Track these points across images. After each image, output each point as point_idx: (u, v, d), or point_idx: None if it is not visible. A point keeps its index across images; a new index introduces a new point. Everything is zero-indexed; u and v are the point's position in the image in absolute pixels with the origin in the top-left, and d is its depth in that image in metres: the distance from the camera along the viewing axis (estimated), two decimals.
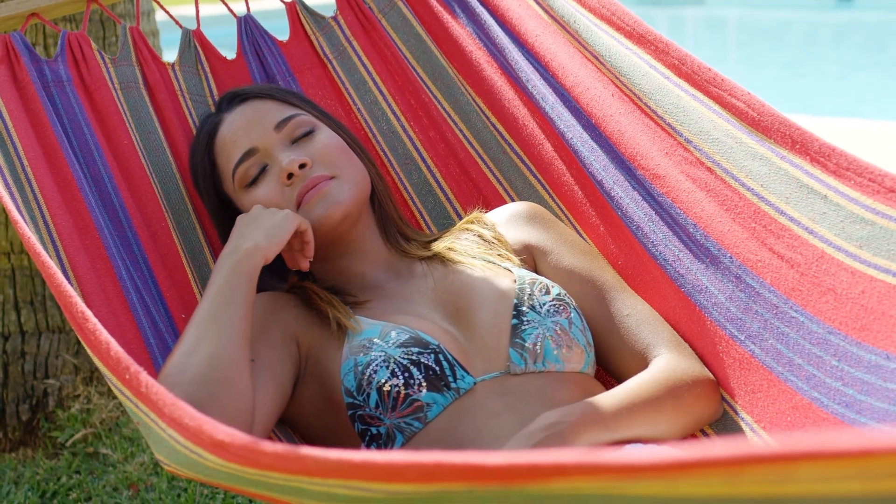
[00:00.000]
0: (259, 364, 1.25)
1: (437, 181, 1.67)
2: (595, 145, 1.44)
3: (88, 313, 0.97)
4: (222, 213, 1.48)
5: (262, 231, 1.28)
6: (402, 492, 0.64)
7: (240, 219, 1.32)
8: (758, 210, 1.22)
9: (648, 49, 1.38)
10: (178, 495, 2.12)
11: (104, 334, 0.92)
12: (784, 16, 13.08)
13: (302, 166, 1.38)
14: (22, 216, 1.22)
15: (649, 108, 1.37)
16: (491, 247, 1.43)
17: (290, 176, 1.38)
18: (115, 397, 2.38)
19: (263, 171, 1.41)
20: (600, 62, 1.44)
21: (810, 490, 0.49)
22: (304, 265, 1.36)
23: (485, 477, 0.57)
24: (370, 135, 1.69)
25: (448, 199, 1.66)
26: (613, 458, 0.52)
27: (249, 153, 1.42)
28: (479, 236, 1.45)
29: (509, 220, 1.47)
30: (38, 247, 1.09)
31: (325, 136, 1.43)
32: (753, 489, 0.50)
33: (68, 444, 2.30)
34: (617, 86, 1.42)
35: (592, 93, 1.44)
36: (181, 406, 0.79)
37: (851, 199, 1.11)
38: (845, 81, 8.72)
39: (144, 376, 0.86)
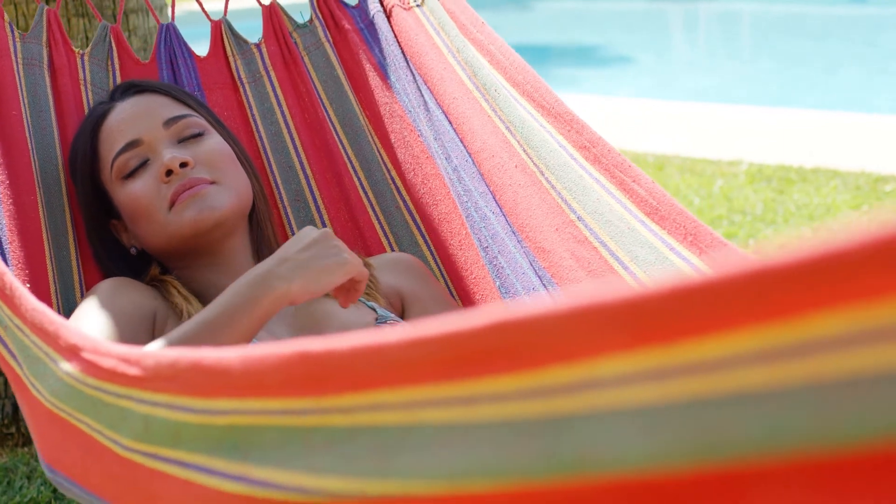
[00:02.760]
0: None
1: (322, 222, 1.64)
2: (488, 212, 1.45)
3: None
4: (93, 202, 1.44)
5: (310, 273, 1.13)
6: (219, 409, 0.62)
7: (300, 235, 1.17)
8: None
9: (562, 128, 1.42)
10: None
11: None
12: (798, 10, 13.02)
13: (183, 165, 1.34)
14: None
15: (549, 182, 1.39)
16: None
17: (169, 173, 1.33)
18: None
19: (144, 164, 1.37)
20: (511, 133, 1.46)
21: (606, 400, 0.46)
22: (346, 305, 1.22)
23: (305, 369, 0.55)
24: (266, 164, 1.66)
25: None
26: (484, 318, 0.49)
27: (132, 144, 1.38)
28: None
29: (387, 264, 1.46)
30: None
31: (214, 142, 1.40)
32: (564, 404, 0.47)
33: None
34: (523, 157, 1.44)
35: (496, 161, 1.46)
36: (42, 311, 0.79)
37: None
38: (859, 76, 8.68)
39: (9, 277, 0.85)
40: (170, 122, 1.40)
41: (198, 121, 1.42)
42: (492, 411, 0.50)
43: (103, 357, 0.71)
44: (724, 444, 0.43)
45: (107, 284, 1.29)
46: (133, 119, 1.40)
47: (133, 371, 0.68)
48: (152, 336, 1.26)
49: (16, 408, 2.34)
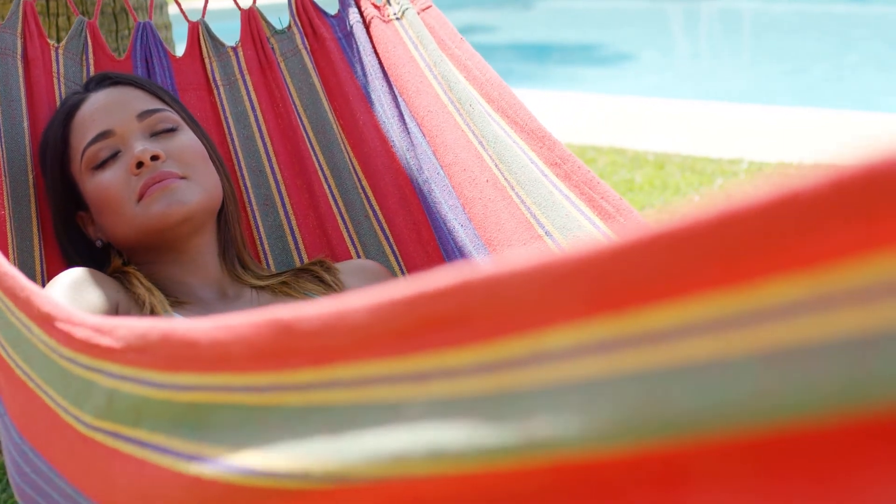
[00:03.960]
0: None
1: (291, 228, 1.64)
2: (457, 225, 1.47)
3: None
4: (62, 194, 1.43)
5: None
6: (183, 385, 0.63)
7: None
8: None
9: (534, 145, 1.44)
10: None
11: None
12: (799, 8, 13.02)
13: (154, 158, 1.33)
14: None
15: (520, 197, 1.41)
16: (327, 289, 1.41)
17: (139, 165, 1.33)
18: None
19: (114, 156, 1.36)
20: (484, 148, 1.48)
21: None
22: None
23: (274, 336, 0.55)
24: (237, 168, 1.66)
25: (297, 248, 1.64)
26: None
27: (104, 135, 1.37)
28: (317, 277, 1.43)
29: (354, 271, 1.47)
30: None
31: (187, 138, 1.40)
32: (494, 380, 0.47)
33: None
34: (494, 172, 1.46)
35: (467, 174, 1.48)
36: (13, 275, 0.79)
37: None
38: (861, 74, 8.67)
39: None
40: (143, 115, 1.39)
41: (172, 116, 1.42)
42: (441, 388, 0.49)
43: (77, 327, 0.71)
44: (663, 420, 0.41)
45: (69, 276, 1.28)
46: (106, 110, 1.40)
47: (105, 341, 0.69)
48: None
49: None
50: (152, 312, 1.25)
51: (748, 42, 11.74)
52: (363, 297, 0.51)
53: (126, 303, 1.28)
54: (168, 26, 2.53)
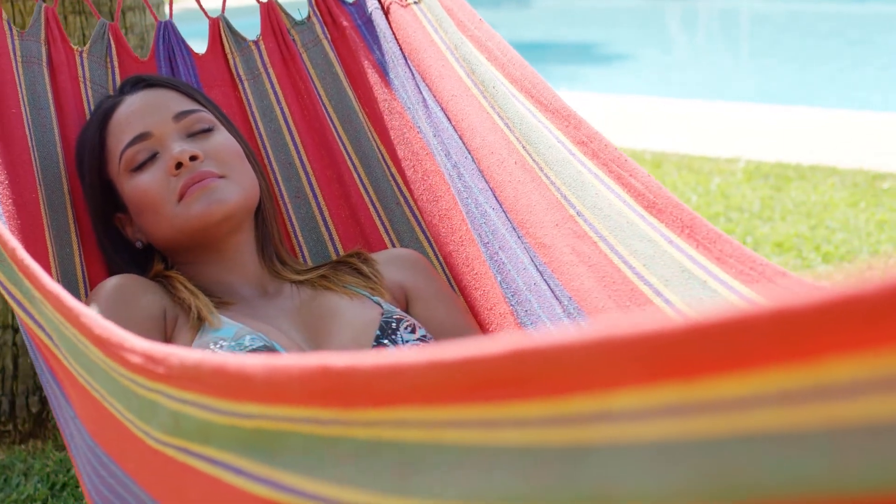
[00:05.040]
0: None
1: (324, 220, 1.65)
2: (488, 209, 1.46)
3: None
4: (100, 197, 1.44)
5: None
6: (245, 413, 0.62)
7: None
8: (635, 289, 1.25)
9: (560, 124, 1.42)
10: None
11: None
12: (796, 8, 13.01)
13: (193, 158, 1.35)
14: None
15: (549, 178, 1.39)
16: (366, 280, 1.42)
17: (178, 166, 1.34)
18: None
19: (153, 158, 1.38)
20: (510, 129, 1.46)
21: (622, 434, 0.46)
22: None
23: (327, 383, 0.55)
24: (266, 162, 1.67)
25: (332, 238, 1.64)
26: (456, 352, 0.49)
27: (142, 137, 1.39)
28: (356, 269, 1.44)
29: (391, 260, 1.47)
30: None
31: (224, 138, 1.41)
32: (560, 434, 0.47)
33: None
34: (522, 153, 1.44)
35: (495, 157, 1.46)
36: (58, 294, 0.79)
37: (729, 286, 1.14)
38: (859, 73, 8.67)
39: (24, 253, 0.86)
40: (180, 117, 1.40)
41: (207, 116, 1.43)
42: (512, 436, 0.49)
43: (129, 353, 0.71)
44: (740, 484, 0.42)
45: (112, 288, 1.29)
46: (142, 112, 1.41)
47: (159, 370, 0.68)
48: (164, 335, 1.26)
49: (12, 405, 2.34)
50: (199, 316, 1.26)
51: (745, 41, 11.73)
52: (418, 353, 0.51)
53: (172, 307, 1.29)
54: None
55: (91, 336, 0.75)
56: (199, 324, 1.25)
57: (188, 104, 1.43)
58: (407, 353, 0.51)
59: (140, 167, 1.38)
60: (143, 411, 0.75)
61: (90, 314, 0.76)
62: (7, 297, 1.00)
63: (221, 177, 1.36)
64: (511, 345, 0.47)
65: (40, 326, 0.93)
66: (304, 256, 1.63)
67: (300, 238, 1.64)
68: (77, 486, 2.13)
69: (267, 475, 0.64)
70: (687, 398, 0.42)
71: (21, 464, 2.23)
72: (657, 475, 0.44)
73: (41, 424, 2.34)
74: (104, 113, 1.45)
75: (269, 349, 1.21)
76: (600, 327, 0.44)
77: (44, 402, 2.34)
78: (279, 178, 1.66)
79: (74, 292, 1.44)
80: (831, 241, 3.42)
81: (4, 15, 1.58)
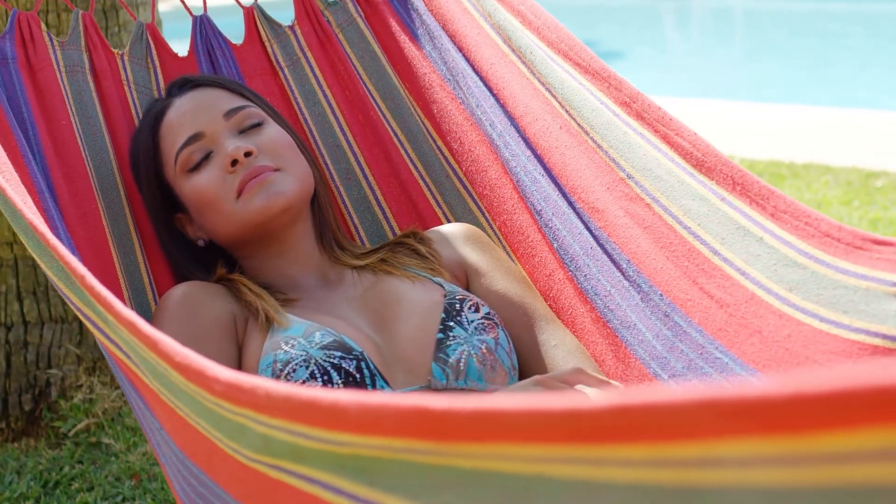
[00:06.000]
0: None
1: (376, 198, 1.66)
2: (538, 175, 1.45)
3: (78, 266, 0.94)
4: (159, 200, 1.46)
5: None
6: (339, 441, 0.62)
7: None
8: (692, 249, 1.23)
9: (601, 85, 1.39)
10: None
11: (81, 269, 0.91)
12: (790, 6, 13.03)
13: (248, 154, 1.37)
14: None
15: (595, 141, 1.37)
16: (425, 261, 1.42)
17: (234, 163, 1.36)
18: (117, 387, 2.39)
19: (207, 157, 1.40)
20: (552, 94, 1.45)
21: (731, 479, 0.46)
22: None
23: (425, 422, 0.55)
24: (314, 146, 1.68)
25: (386, 217, 1.65)
26: (559, 403, 0.49)
27: (195, 137, 1.40)
28: (413, 250, 1.45)
29: (446, 238, 1.47)
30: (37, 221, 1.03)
31: (274, 131, 1.43)
32: (672, 475, 0.48)
33: (71, 434, 2.30)
34: (566, 118, 1.42)
35: (540, 124, 1.45)
36: (132, 320, 0.79)
37: (786, 242, 1.12)
38: (853, 72, 8.69)
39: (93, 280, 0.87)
40: (230, 114, 1.42)
41: (256, 111, 1.44)
42: (619, 473, 0.49)
43: (213, 382, 0.69)
44: None
45: (180, 297, 1.30)
46: (193, 113, 1.43)
47: (245, 398, 0.67)
48: (237, 342, 1.28)
49: (5, 403, 2.33)
50: (267, 318, 1.27)
51: (739, 40, 11.74)
52: (519, 400, 0.51)
53: (241, 311, 1.31)
54: (159, 24, 2.52)
55: (171, 363, 0.75)
56: (268, 325, 1.27)
57: (236, 101, 1.45)
58: (507, 400, 0.51)
59: (196, 167, 1.40)
60: (232, 432, 0.75)
61: (168, 342, 0.75)
62: (81, 316, 1.01)
63: (277, 170, 1.37)
64: (614, 400, 0.47)
65: (117, 346, 0.93)
66: (360, 238, 1.65)
67: (355, 219, 1.66)
68: (69, 484, 2.13)
69: (366, 496, 0.63)
70: (793, 450, 0.43)
71: (14, 462, 2.23)
72: None
73: (34, 423, 2.33)
74: (155, 117, 1.47)
75: (338, 342, 1.22)
76: (705, 388, 0.44)
77: (36, 400, 2.33)
78: (328, 162, 1.67)
79: (142, 299, 1.47)
80: None
81: (44, 26, 1.59)
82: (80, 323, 2.39)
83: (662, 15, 13.01)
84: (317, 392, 0.61)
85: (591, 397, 0.48)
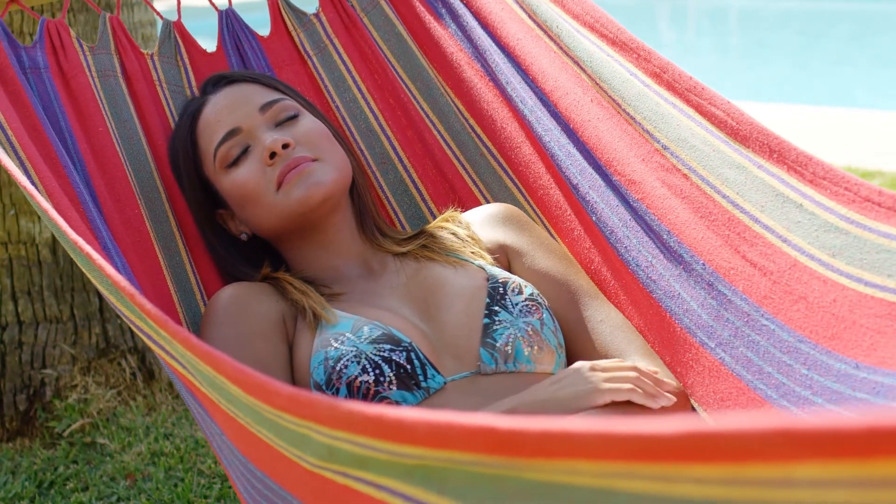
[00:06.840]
0: (266, 366, 1.23)
1: (412, 181, 1.66)
2: (572, 150, 1.44)
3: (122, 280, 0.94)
4: (201, 197, 1.48)
5: (554, 404, 1.18)
6: (406, 454, 0.62)
7: (557, 374, 1.23)
8: (732, 218, 1.23)
9: (630, 56, 1.38)
10: (175, 485, 2.12)
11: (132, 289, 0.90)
12: (785, 6, 13.04)
13: (285, 146, 1.38)
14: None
15: (628, 114, 1.37)
16: (465, 245, 1.43)
17: (272, 156, 1.38)
18: (112, 387, 2.39)
19: (246, 151, 1.41)
20: (581, 67, 1.44)
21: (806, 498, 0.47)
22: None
23: (493, 441, 0.56)
24: (348, 133, 1.69)
25: (423, 198, 1.66)
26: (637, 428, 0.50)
27: (232, 133, 1.42)
28: (453, 234, 1.45)
29: (485, 220, 1.47)
30: (74, 234, 1.02)
31: (310, 122, 1.44)
32: (751, 494, 0.48)
33: (65, 434, 2.30)
34: (596, 91, 1.42)
35: (571, 98, 1.44)
36: (186, 336, 0.79)
37: (826, 207, 1.11)
38: (848, 71, 8.70)
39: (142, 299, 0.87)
40: (265, 108, 1.43)
41: (290, 103, 1.46)
42: (692, 490, 0.49)
43: (272, 396, 0.69)
44: None
45: (228, 299, 1.31)
46: (229, 109, 1.44)
47: (307, 412, 0.67)
48: (288, 340, 1.29)
49: (0, 403, 2.33)
50: (314, 316, 1.29)
51: (734, 39, 11.75)
52: (589, 423, 0.51)
53: (289, 309, 1.33)
54: (153, 23, 2.52)
55: (229, 376, 0.75)
56: (316, 322, 1.28)
57: (270, 94, 1.46)
58: (577, 423, 0.52)
59: (235, 162, 1.42)
60: (295, 441, 0.75)
61: (224, 358, 0.74)
62: (134, 328, 1.02)
63: (315, 160, 1.39)
64: (683, 427, 0.47)
65: (173, 357, 0.93)
66: (400, 222, 1.66)
67: (393, 203, 1.66)
68: (64, 484, 2.13)
69: (436, 503, 0.63)
70: (865, 474, 0.44)
71: (9, 462, 2.23)
72: None
73: (29, 423, 2.33)
74: (191, 115, 1.48)
75: (387, 335, 1.24)
76: (775, 418, 0.45)
77: (31, 400, 2.33)
78: (363, 147, 1.68)
79: (191, 301, 1.48)
80: None
81: (73, 33, 1.60)
82: (75, 323, 2.39)
83: (658, 14, 13.02)
84: (382, 409, 0.60)
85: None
